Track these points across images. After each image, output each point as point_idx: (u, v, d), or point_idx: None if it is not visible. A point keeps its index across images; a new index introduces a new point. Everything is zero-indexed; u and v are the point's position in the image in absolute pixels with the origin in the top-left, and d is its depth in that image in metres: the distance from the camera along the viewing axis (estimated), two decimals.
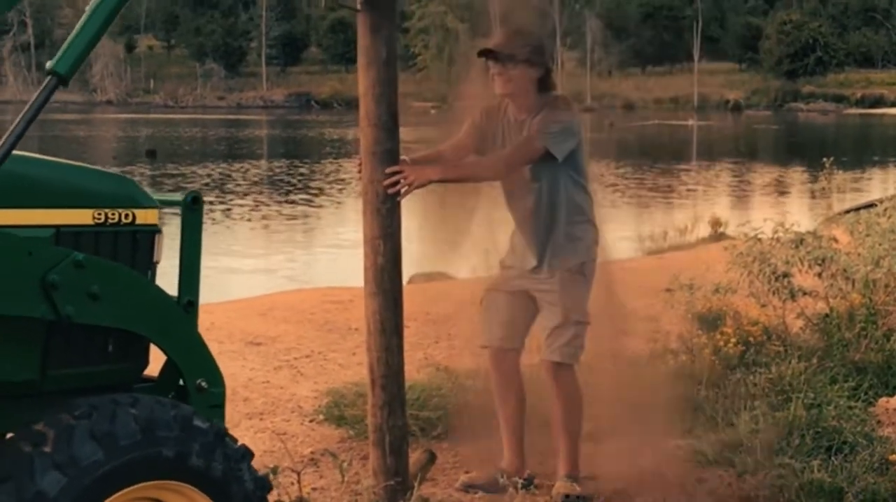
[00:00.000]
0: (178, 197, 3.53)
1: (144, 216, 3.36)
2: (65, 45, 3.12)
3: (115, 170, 3.57)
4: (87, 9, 3.16)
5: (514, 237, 5.17)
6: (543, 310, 5.05)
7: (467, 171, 5.02)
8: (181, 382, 3.43)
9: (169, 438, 3.06)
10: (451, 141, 5.15)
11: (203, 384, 3.42)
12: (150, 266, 3.43)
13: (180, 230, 3.48)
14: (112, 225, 3.28)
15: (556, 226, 4.99)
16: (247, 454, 3.28)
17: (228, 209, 23.42)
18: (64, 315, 3.06)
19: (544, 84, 4.97)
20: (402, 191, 4.57)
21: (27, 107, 3.02)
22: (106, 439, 2.95)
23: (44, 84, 3.09)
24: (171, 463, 3.06)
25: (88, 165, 3.48)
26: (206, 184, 27.47)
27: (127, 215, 3.31)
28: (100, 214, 3.25)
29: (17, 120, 3.00)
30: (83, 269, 3.08)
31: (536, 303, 5.09)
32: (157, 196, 3.50)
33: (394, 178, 4.56)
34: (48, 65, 3.11)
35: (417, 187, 4.63)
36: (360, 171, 4.72)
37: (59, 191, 3.22)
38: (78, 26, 3.14)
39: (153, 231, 3.41)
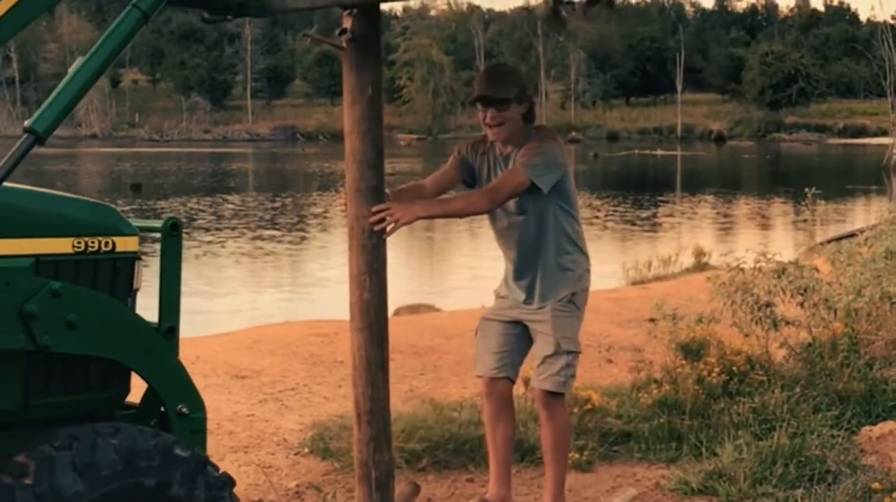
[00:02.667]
0: (157, 223, 3.55)
1: (124, 243, 3.37)
2: (45, 104, 3.16)
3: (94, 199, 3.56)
4: (70, 70, 3.21)
5: (506, 268, 5.22)
6: (536, 339, 5.09)
7: (454, 207, 5.06)
8: (163, 408, 3.44)
9: (150, 467, 3.07)
10: (435, 174, 5.19)
11: (184, 410, 3.42)
12: (131, 293, 3.44)
13: (160, 257, 3.49)
14: (92, 253, 3.29)
15: (546, 257, 5.03)
16: (228, 482, 3.29)
17: (214, 242, 23.41)
18: (42, 344, 3.07)
19: (527, 117, 5.02)
20: (389, 228, 4.61)
21: (3, 162, 3.04)
22: (87, 470, 2.96)
23: (20, 141, 3.12)
24: (153, 492, 3.07)
25: (68, 194, 3.49)
26: (192, 218, 27.46)
27: (107, 243, 3.32)
28: (79, 243, 3.26)
29: None
30: (61, 299, 3.10)
31: (530, 333, 5.13)
32: (136, 223, 3.52)
33: (380, 216, 4.59)
34: (26, 123, 3.14)
35: (404, 224, 4.66)
36: (344, 208, 4.75)
37: (39, 220, 3.23)
38: (59, 87, 3.18)
39: (133, 258, 3.42)
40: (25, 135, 3.12)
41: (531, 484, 5.62)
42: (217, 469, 3.29)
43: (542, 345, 5.05)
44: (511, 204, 4.98)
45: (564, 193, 5.01)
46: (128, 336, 3.30)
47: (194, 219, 27.20)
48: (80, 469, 2.96)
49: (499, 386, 5.15)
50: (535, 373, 5.07)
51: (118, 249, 3.35)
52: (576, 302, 5.07)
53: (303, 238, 25.04)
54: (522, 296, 5.09)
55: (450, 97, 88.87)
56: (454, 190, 5.22)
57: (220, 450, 6.09)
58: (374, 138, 4.63)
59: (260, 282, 18.95)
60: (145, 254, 3.49)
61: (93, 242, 3.29)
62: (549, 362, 5.00)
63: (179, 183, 42.23)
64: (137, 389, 3.50)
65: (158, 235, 3.53)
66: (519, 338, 5.16)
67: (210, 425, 6.36)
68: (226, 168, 53.16)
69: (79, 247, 3.26)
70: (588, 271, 5.14)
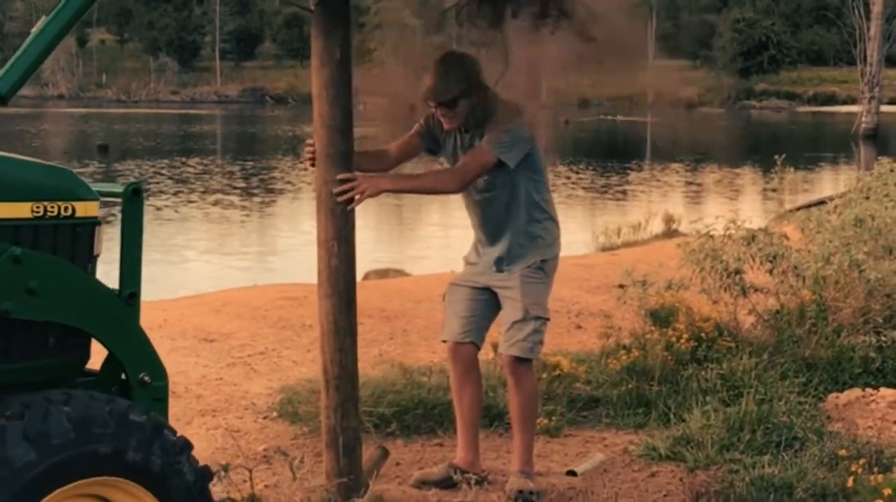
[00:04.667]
0: (118, 188, 3.50)
1: (84, 208, 3.32)
2: (7, 65, 3.11)
3: (54, 162, 3.50)
4: (33, 31, 3.16)
5: (476, 236, 5.21)
6: (504, 305, 5.09)
7: (422, 184, 5.04)
8: (124, 376, 3.41)
9: (104, 434, 3.04)
10: (399, 140, 5.16)
11: (146, 378, 3.39)
12: (91, 259, 3.40)
13: (121, 222, 3.45)
14: (51, 218, 3.24)
15: (517, 226, 5.03)
16: (185, 446, 3.26)
17: (181, 205, 23.27)
18: (2, 310, 3.03)
19: (486, 99, 4.97)
20: (355, 198, 4.59)
21: None
22: (39, 439, 2.93)
23: None
24: (108, 459, 3.04)
25: (26, 157, 3.43)
26: (159, 180, 27.28)
27: (66, 208, 3.27)
28: (38, 207, 3.21)
29: None
30: (21, 264, 3.05)
31: (498, 299, 5.12)
32: (97, 187, 3.46)
33: (346, 186, 4.58)
34: None
35: (369, 196, 4.67)
36: (311, 156, 4.69)
37: None
38: (22, 48, 3.14)
39: (93, 223, 3.38)
40: None
41: (500, 449, 5.62)
42: (174, 433, 3.25)
43: (510, 311, 5.05)
44: (480, 180, 4.98)
45: (533, 164, 5.01)
46: (89, 302, 3.26)
47: (161, 182, 27.01)
48: (32, 438, 2.92)
49: (464, 351, 5.15)
50: (503, 338, 5.08)
51: (78, 214, 3.30)
52: (545, 268, 5.08)
53: (271, 201, 24.93)
54: (492, 263, 5.09)
55: (420, 61, 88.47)
56: (418, 158, 5.20)
57: (188, 414, 6.06)
58: (343, 103, 4.60)
59: (227, 245, 18.87)
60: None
61: (52, 207, 3.24)
62: (517, 328, 5.00)
63: (147, 144, 41.93)
64: (98, 356, 3.46)
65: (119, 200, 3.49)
66: (487, 303, 5.16)
67: (178, 389, 6.37)
68: (194, 130, 52.80)
69: (38, 212, 3.21)
70: (558, 239, 5.16)
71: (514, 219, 5.03)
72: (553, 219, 5.14)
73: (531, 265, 5.04)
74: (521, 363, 5.05)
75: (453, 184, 4.96)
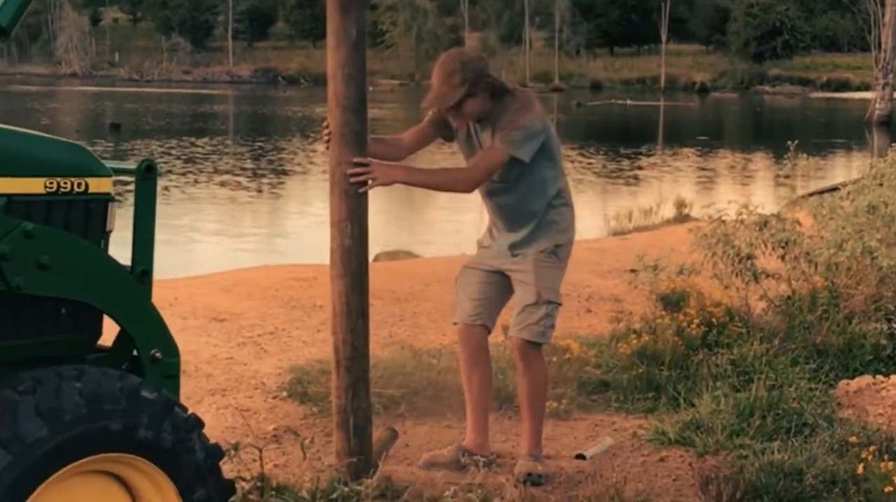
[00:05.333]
0: (131, 165, 3.49)
1: (98, 184, 3.31)
2: None
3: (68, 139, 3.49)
4: None
5: (490, 220, 5.21)
6: (517, 289, 5.09)
7: (433, 180, 5.03)
8: (136, 353, 3.40)
9: (115, 411, 3.03)
10: (413, 129, 5.17)
11: (157, 354, 3.38)
12: (104, 235, 3.39)
13: (134, 199, 3.44)
14: (64, 193, 3.23)
15: (533, 214, 5.03)
16: (197, 424, 3.26)
17: (193, 184, 23.28)
18: (14, 286, 3.02)
19: (495, 93, 4.96)
20: (368, 183, 4.61)
21: None
22: (51, 414, 2.92)
23: None
24: (119, 435, 3.04)
25: (41, 133, 3.42)
26: (171, 159, 27.29)
27: (80, 184, 3.26)
28: (52, 183, 3.20)
29: None
30: (33, 240, 3.04)
31: (511, 283, 5.11)
32: (110, 164, 3.45)
33: (360, 170, 4.58)
34: None
35: (381, 184, 4.67)
36: (328, 140, 4.70)
37: (10, 159, 3.17)
38: None
39: (106, 200, 3.37)
40: None
41: (509, 432, 5.62)
42: (185, 410, 3.25)
43: (522, 294, 5.04)
44: (495, 175, 4.97)
45: (548, 154, 4.99)
46: (101, 278, 3.25)
47: (173, 161, 27.03)
48: (43, 413, 2.91)
49: (474, 333, 5.14)
50: (514, 321, 5.07)
51: (91, 190, 3.30)
52: (559, 253, 5.07)
53: (282, 182, 24.93)
54: (506, 247, 5.09)
55: (433, 43, 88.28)
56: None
57: (198, 393, 6.07)
58: (358, 82, 4.59)
59: (239, 225, 18.88)
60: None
61: (65, 183, 3.23)
62: (529, 311, 5.00)
63: (159, 123, 41.93)
64: (110, 332, 3.46)
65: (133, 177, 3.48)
66: (499, 287, 5.16)
67: (188, 368, 6.37)
68: (206, 110, 52.80)
69: (51, 188, 3.20)
70: (573, 224, 5.18)
71: (530, 207, 5.03)
72: (568, 205, 5.14)
73: (545, 249, 5.04)
74: (531, 347, 5.04)
75: (465, 185, 4.96)
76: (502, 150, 4.86)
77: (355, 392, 4.69)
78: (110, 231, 3.43)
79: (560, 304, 5.11)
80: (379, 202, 4.89)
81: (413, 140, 5.10)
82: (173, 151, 29.61)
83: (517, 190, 5.01)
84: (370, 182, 4.63)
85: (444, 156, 14.44)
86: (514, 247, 5.08)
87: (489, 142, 4.94)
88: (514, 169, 4.94)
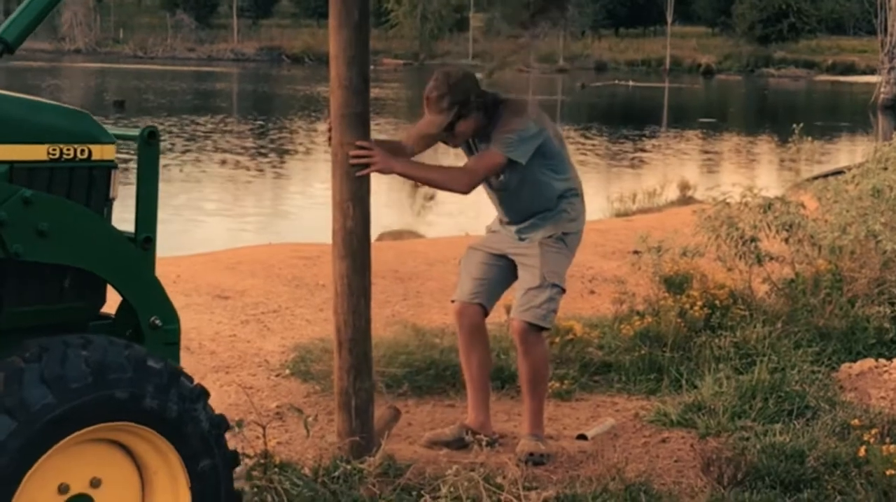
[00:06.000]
0: (134, 132, 3.48)
1: (101, 152, 3.31)
2: (15, 13, 3.09)
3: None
4: None
5: (499, 210, 5.22)
6: (522, 272, 5.08)
7: (430, 176, 4.94)
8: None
9: (122, 380, 3.04)
10: (413, 129, 5.16)
11: (157, 321, 3.39)
12: (107, 202, 3.39)
13: (137, 165, 3.43)
14: (67, 160, 3.23)
15: (540, 209, 5.06)
16: (202, 394, 3.27)
17: (196, 162, 23.26)
18: (12, 252, 3.02)
19: (488, 108, 4.96)
20: (365, 169, 4.61)
21: None
22: (56, 382, 2.93)
23: None
24: (125, 404, 3.05)
25: (44, 100, 3.41)
26: (174, 137, 27.26)
27: (83, 150, 3.26)
28: (54, 149, 3.20)
29: None
30: (32, 206, 3.04)
31: (515, 267, 5.11)
32: (113, 131, 3.45)
33: (361, 152, 4.58)
34: None
35: (378, 171, 4.67)
36: (330, 137, 4.72)
37: (12, 125, 3.16)
38: None
39: (110, 167, 3.36)
40: None
41: (511, 411, 5.64)
42: (191, 380, 3.26)
43: (526, 278, 5.04)
44: (494, 180, 5.01)
45: (548, 154, 4.99)
46: (101, 246, 3.25)
47: (176, 138, 27.00)
48: (49, 381, 2.92)
49: (471, 311, 5.13)
50: (517, 303, 5.06)
51: (94, 157, 3.29)
52: (566, 240, 5.08)
53: (286, 161, 24.91)
54: (514, 232, 5.09)
55: (437, 22, 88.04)
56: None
57: (202, 370, 6.08)
58: (361, 64, 4.59)
59: (242, 203, 18.87)
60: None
61: (68, 150, 3.23)
62: (532, 294, 4.99)
63: (163, 101, 41.88)
64: (113, 300, 3.46)
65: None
66: (503, 270, 5.16)
67: (192, 345, 6.39)
68: (210, 87, 52.72)
69: (54, 155, 3.20)
70: (583, 213, 5.19)
71: (535, 204, 5.06)
72: (577, 195, 5.14)
73: (552, 235, 5.04)
74: (531, 330, 5.03)
75: (462, 186, 4.91)
76: (497, 153, 4.87)
77: (357, 373, 4.70)
78: (113, 198, 3.42)
79: (564, 290, 5.10)
80: (383, 183, 4.88)
81: (414, 144, 5.08)
82: (176, 129, 29.58)
83: (521, 192, 5.03)
84: (370, 167, 4.63)
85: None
86: (521, 232, 5.10)
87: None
88: (514, 172, 4.95)
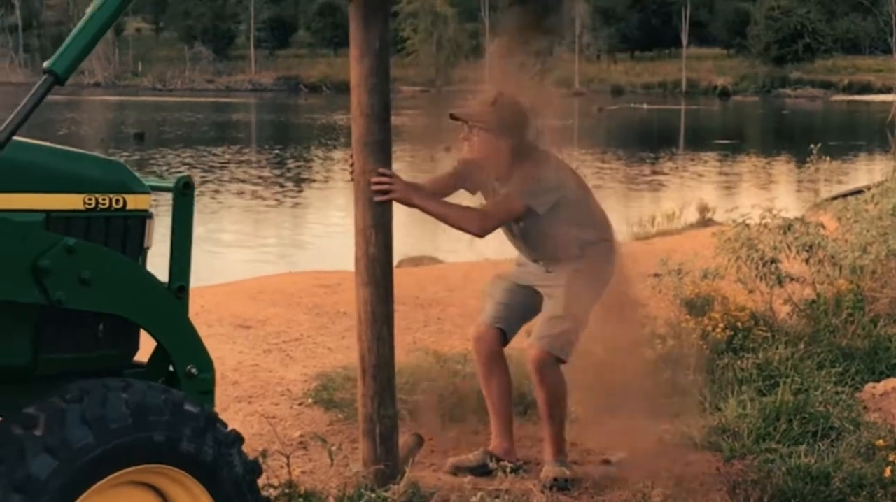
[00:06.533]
0: (169, 182, 3.51)
1: (136, 201, 3.34)
2: (64, 45, 3.10)
3: (105, 155, 3.53)
4: (89, 10, 3.15)
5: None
6: (546, 302, 5.06)
7: (446, 214, 4.91)
8: (171, 368, 3.43)
9: (160, 423, 3.05)
10: (436, 177, 5.18)
11: (193, 370, 3.41)
12: (142, 251, 3.42)
13: (171, 216, 3.46)
14: (103, 210, 3.26)
15: (566, 257, 5.02)
16: (237, 439, 3.28)
17: (216, 193, 23.36)
18: (55, 300, 3.05)
19: (519, 151, 4.96)
20: (385, 195, 4.62)
21: (21, 105, 3.01)
22: (97, 423, 2.95)
23: (39, 82, 3.07)
24: (162, 447, 3.06)
25: (80, 150, 3.46)
26: (194, 168, 27.39)
27: (118, 200, 3.29)
28: (90, 199, 3.23)
29: (11, 117, 2.98)
30: (74, 255, 3.07)
31: (540, 299, 5.10)
32: (148, 181, 3.48)
33: (383, 180, 4.59)
34: (46, 64, 3.08)
35: (396, 200, 4.68)
36: (352, 166, 4.74)
37: (50, 175, 3.20)
38: (79, 26, 3.11)
39: (144, 216, 3.40)
40: (45, 77, 3.08)
41: (535, 436, 5.60)
42: (226, 426, 3.28)
43: (550, 306, 5.01)
44: (515, 226, 5.00)
45: (569, 207, 4.96)
46: (140, 294, 3.28)
47: (196, 170, 27.12)
48: (90, 421, 2.94)
49: (489, 336, 5.10)
50: (536, 330, 5.03)
51: (129, 207, 3.33)
52: (595, 278, 5.04)
53: (304, 189, 24.98)
54: (542, 266, 5.09)
55: (454, 49, 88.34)
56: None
57: (225, 400, 6.09)
58: (382, 91, 4.61)
59: (262, 232, 18.94)
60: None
61: (104, 199, 3.26)
62: (553, 323, 4.96)
63: (182, 132, 42.09)
64: (145, 348, 3.49)
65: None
66: (527, 298, 5.13)
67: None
68: (228, 118, 52.98)
69: (90, 204, 3.24)
70: (614, 257, 5.12)
71: (561, 253, 5.02)
72: (607, 241, 5.12)
73: (582, 271, 5.01)
74: (548, 360, 4.97)
75: (476, 228, 4.90)
76: (517, 200, 4.87)
77: (381, 400, 4.71)
78: (148, 247, 3.46)
79: (585, 325, 5.07)
80: (403, 209, 4.90)
81: (434, 188, 5.05)
82: (196, 160, 29.72)
83: (543, 241, 5.00)
84: (389, 194, 4.64)
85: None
86: (549, 264, 5.08)
87: None
88: (534, 221, 4.93)
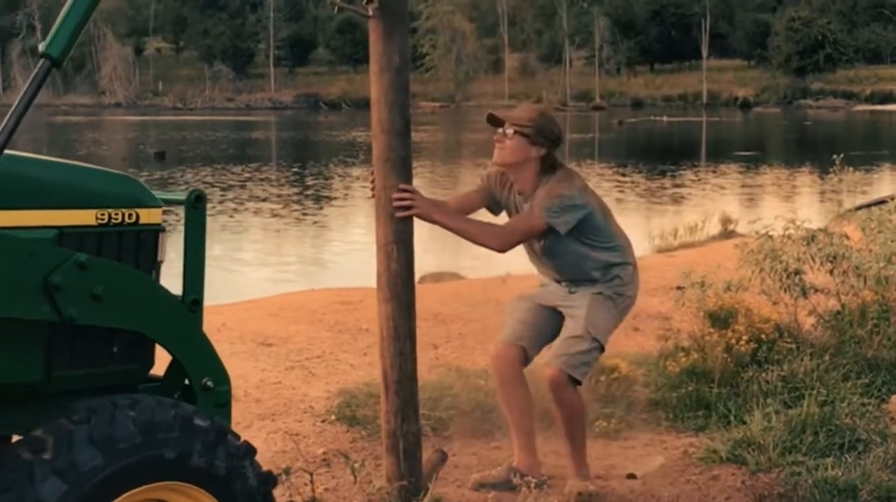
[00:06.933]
0: (181, 195, 3.51)
1: (148, 215, 3.34)
2: (55, 28, 3.08)
3: (115, 169, 3.53)
4: None
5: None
6: (567, 322, 5.04)
7: (468, 230, 4.89)
8: (187, 381, 3.43)
9: (169, 439, 3.04)
10: (459, 195, 5.21)
11: (209, 383, 3.40)
12: (155, 266, 3.42)
13: (184, 229, 3.46)
14: (115, 225, 3.26)
15: (588, 279, 5.01)
16: (249, 451, 3.26)
17: (237, 211, 23.44)
18: (67, 317, 3.05)
19: (546, 165, 4.97)
20: (406, 211, 4.61)
21: (22, 92, 3.00)
22: (105, 443, 2.93)
23: (37, 68, 3.06)
24: (173, 464, 3.05)
25: (91, 165, 3.46)
26: (215, 186, 27.49)
27: (130, 215, 3.29)
28: (103, 214, 3.24)
29: (15, 104, 2.98)
30: (86, 270, 3.07)
31: (562, 320, 5.08)
32: (160, 195, 3.49)
33: (405, 195, 4.58)
34: (40, 47, 3.06)
35: (417, 216, 4.67)
36: (372, 182, 4.73)
37: (62, 191, 3.20)
38: (66, 7, 3.08)
39: (157, 230, 3.40)
40: (41, 61, 3.07)
41: (560, 451, 5.58)
42: (238, 437, 3.26)
43: (570, 325, 4.99)
44: (537, 244, 4.98)
45: (592, 229, 4.95)
46: (153, 308, 3.28)
47: (217, 187, 27.22)
48: (98, 442, 2.93)
49: (509, 353, 5.06)
50: (553, 348, 5.00)
51: (142, 221, 3.32)
52: (617, 302, 5.04)
53: (325, 207, 25.03)
54: (564, 287, 5.08)
55: (472, 65, 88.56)
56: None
57: (248, 418, 6.09)
58: (402, 107, 4.61)
59: (283, 250, 18.97)
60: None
61: (116, 214, 3.26)
62: (571, 342, 4.93)
63: (203, 151, 42.27)
64: (161, 362, 3.49)
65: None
66: (549, 318, 5.11)
67: (237, 393, 6.39)
68: (249, 136, 53.20)
69: (102, 219, 3.24)
70: (636, 280, 5.12)
71: (583, 274, 5.01)
72: (629, 264, 5.11)
73: (604, 293, 5.00)
74: (563, 380, 4.92)
75: (498, 244, 4.88)
76: (538, 216, 4.85)
77: (404, 416, 4.69)
78: (161, 261, 3.45)
79: (603, 349, 5.06)
80: (424, 225, 4.89)
81: (459, 206, 5.07)
82: (217, 178, 29.82)
83: (565, 261, 4.99)
84: (410, 209, 4.64)
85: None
86: (572, 285, 5.07)
87: None
88: (556, 241, 4.92)
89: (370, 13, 4.52)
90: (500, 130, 4.95)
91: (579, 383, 5.01)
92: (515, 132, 4.92)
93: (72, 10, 3.09)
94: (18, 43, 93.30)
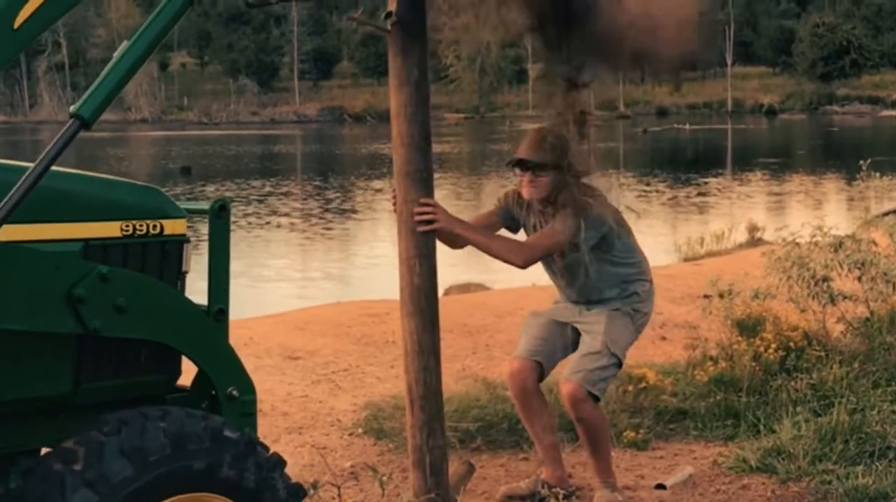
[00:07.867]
0: (205, 205, 3.52)
1: (172, 226, 3.36)
2: (90, 89, 3.11)
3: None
4: (115, 55, 3.16)
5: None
6: (584, 338, 5.02)
7: (488, 245, 4.88)
8: (213, 392, 3.43)
9: (199, 451, 3.04)
10: (478, 215, 5.20)
11: (234, 392, 3.41)
12: (180, 276, 3.43)
13: (208, 238, 3.47)
14: (140, 236, 3.28)
15: (605, 295, 5.01)
16: (279, 462, 3.26)
17: (263, 225, 23.50)
18: (91, 328, 3.06)
19: (562, 185, 4.92)
20: (427, 225, 4.58)
21: (49, 147, 3.00)
22: (136, 455, 2.94)
23: (66, 127, 3.08)
24: (203, 475, 3.05)
25: (115, 177, 3.48)
26: (241, 200, 27.58)
27: (155, 226, 3.31)
28: (127, 226, 3.26)
29: (39, 159, 2.97)
30: (109, 282, 3.08)
31: (578, 336, 5.06)
32: (184, 205, 3.50)
33: (426, 209, 4.57)
34: (72, 108, 3.09)
35: (439, 230, 4.64)
36: (394, 196, 4.72)
37: (87, 204, 3.23)
38: (105, 71, 3.12)
39: (181, 241, 3.41)
40: (71, 121, 3.09)
41: (587, 463, 5.56)
42: (267, 449, 3.26)
43: (587, 341, 4.97)
44: (558, 260, 4.96)
45: (612, 244, 4.94)
46: (177, 319, 3.28)
47: (243, 201, 27.31)
48: (129, 454, 2.93)
49: (525, 370, 5.03)
50: (571, 364, 4.98)
51: (166, 232, 3.34)
52: (634, 318, 5.03)
53: (350, 219, 25.07)
54: (581, 309, 5.07)
55: (497, 75, 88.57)
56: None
57: (275, 431, 6.10)
58: (421, 121, 4.60)
59: (310, 263, 19.00)
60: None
61: (141, 225, 3.28)
62: (590, 358, 4.91)
63: (228, 165, 42.44)
64: (188, 372, 3.49)
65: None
66: (565, 334, 5.10)
67: (264, 406, 6.40)
68: (274, 150, 53.36)
69: (127, 231, 3.25)
70: (652, 296, 5.12)
71: (601, 291, 5.01)
72: (646, 280, 5.10)
73: (621, 309, 5.00)
74: (581, 395, 4.89)
75: (519, 260, 4.86)
76: (561, 233, 4.83)
77: (430, 430, 4.67)
78: (186, 272, 3.46)
79: (621, 365, 5.03)
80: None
81: (478, 226, 5.04)
82: (243, 192, 29.93)
83: (581, 277, 4.95)
84: (431, 223, 4.62)
85: None
86: (589, 305, 5.06)
87: None
88: (576, 257, 4.89)
89: (389, 28, 4.52)
90: (529, 174, 4.91)
91: (598, 399, 4.98)
92: (546, 168, 4.87)
93: (110, 74, 3.12)
94: (44, 59, 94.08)
